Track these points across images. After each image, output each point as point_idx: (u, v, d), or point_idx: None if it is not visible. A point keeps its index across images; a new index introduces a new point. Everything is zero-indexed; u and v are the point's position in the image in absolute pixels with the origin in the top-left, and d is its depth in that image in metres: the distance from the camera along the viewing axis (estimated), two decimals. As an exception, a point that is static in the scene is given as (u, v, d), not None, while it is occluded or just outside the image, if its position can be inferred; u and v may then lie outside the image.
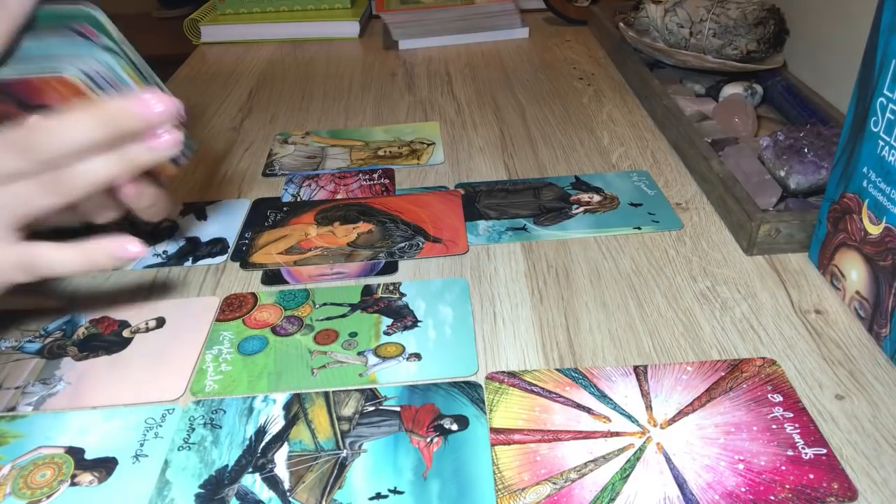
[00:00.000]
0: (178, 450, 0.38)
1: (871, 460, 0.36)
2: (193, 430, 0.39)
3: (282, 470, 0.37)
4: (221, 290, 0.51)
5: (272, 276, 0.52)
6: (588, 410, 0.39)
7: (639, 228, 0.55)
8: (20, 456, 0.38)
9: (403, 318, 0.47)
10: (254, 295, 0.50)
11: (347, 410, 0.40)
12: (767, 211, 0.54)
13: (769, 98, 0.74)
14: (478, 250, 0.54)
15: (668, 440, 0.37)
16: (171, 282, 0.52)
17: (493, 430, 0.38)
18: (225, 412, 0.40)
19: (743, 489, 0.34)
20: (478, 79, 0.88)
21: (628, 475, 0.35)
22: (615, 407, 0.39)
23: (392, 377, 0.42)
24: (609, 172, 0.63)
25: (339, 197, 0.62)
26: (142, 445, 0.38)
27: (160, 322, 0.47)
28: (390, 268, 0.52)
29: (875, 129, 0.42)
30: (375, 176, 0.65)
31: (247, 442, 0.38)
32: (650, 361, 0.42)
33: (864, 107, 0.43)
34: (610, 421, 0.38)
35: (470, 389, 0.41)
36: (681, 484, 0.35)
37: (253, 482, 0.36)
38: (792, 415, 0.38)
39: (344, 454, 0.37)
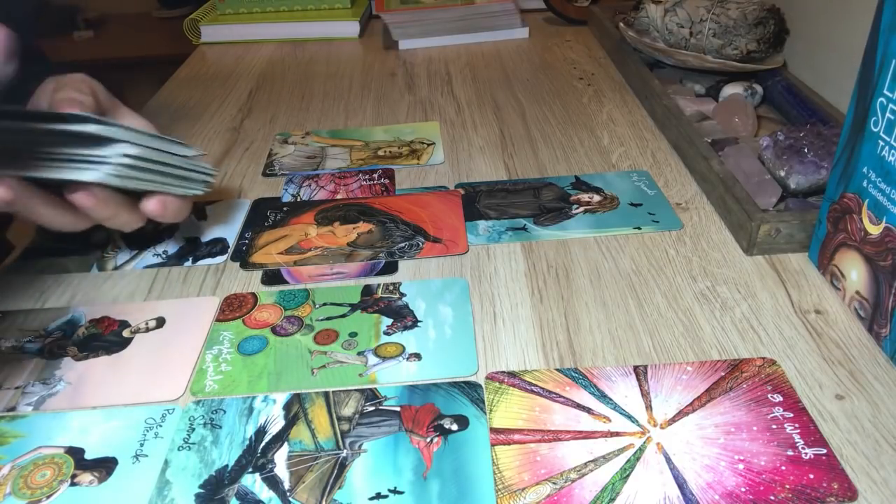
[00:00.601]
0: (178, 450, 0.38)
1: (871, 460, 0.36)
2: (193, 430, 0.39)
3: (282, 470, 0.37)
4: (221, 290, 0.51)
5: (272, 276, 0.52)
6: (588, 410, 0.39)
7: (639, 228, 0.55)
8: (20, 456, 0.38)
9: (403, 318, 0.47)
10: (254, 295, 0.50)
11: (347, 410, 0.40)
12: (767, 211, 0.54)
13: (769, 98, 0.74)
14: (478, 250, 0.54)
15: (668, 440, 0.37)
16: (171, 282, 0.52)
17: (493, 430, 0.38)
18: (225, 412, 0.40)
19: (743, 489, 0.34)
20: (478, 79, 0.88)
21: (628, 475, 0.35)
22: (615, 407, 0.39)
23: (392, 377, 0.42)
24: (609, 172, 0.63)
25: (339, 197, 0.61)
26: (142, 445, 0.38)
27: (160, 322, 0.47)
28: (390, 268, 0.52)
29: (875, 129, 0.42)
30: (375, 176, 0.65)
31: (247, 442, 0.38)
32: (650, 361, 0.42)
33: (864, 107, 0.43)
34: (610, 421, 0.38)
35: (470, 389, 0.41)
36: (681, 484, 0.35)
37: (253, 482, 0.36)
38: (792, 415, 0.38)
39: (344, 454, 0.37)
